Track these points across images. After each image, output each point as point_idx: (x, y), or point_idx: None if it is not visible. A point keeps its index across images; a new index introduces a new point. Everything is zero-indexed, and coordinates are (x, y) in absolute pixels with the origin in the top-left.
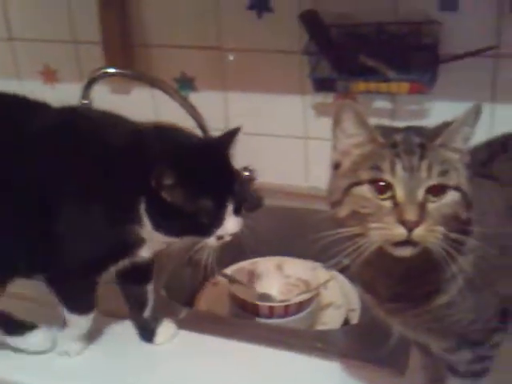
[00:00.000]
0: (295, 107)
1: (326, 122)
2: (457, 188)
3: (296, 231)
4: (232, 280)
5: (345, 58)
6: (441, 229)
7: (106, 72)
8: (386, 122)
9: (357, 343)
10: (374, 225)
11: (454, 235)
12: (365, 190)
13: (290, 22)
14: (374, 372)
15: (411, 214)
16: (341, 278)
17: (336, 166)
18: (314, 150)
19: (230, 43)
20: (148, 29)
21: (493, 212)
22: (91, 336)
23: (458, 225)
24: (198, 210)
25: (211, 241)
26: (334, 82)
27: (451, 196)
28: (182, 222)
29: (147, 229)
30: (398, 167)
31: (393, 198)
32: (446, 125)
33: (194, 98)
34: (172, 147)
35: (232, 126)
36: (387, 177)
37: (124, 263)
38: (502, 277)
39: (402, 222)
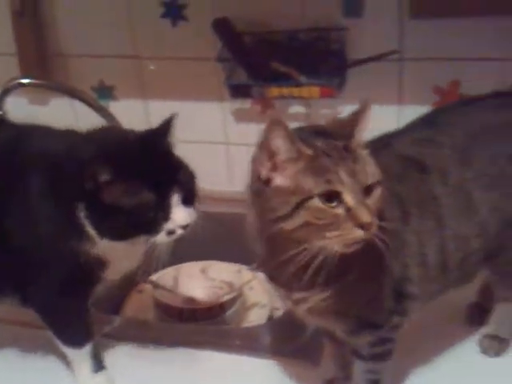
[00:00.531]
0: (215, 113)
1: (245, 128)
2: (379, 182)
3: (221, 235)
4: (156, 286)
5: (258, 64)
6: (377, 221)
7: (20, 83)
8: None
9: (274, 339)
10: (331, 234)
11: (387, 224)
12: (316, 203)
13: (204, 30)
14: (288, 365)
15: (366, 217)
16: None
17: (266, 182)
18: (235, 154)
19: (147, 52)
20: (64, 38)
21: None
22: None
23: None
24: (140, 204)
25: (161, 237)
26: (250, 88)
27: (379, 190)
28: (127, 221)
29: (101, 245)
30: (343, 175)
31: (342, 204)
32: (350, 123)
33: (114, 107)
34: (104, 144)
35: None
36: (337, 187)
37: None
38: (393, 259)
39: (359, 226)
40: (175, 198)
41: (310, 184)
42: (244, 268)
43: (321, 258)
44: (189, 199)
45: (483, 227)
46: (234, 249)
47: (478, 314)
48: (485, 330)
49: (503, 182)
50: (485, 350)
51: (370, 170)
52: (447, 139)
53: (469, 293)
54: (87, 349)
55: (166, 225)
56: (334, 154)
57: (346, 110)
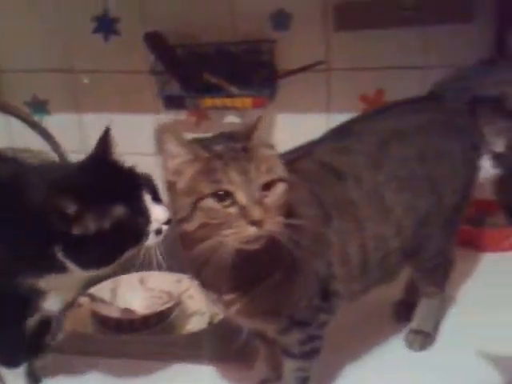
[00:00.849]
0: (150, 125)
1: None
2: (281, 179)
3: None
4: (93, 298)
5: (190, 76)
6: (281, 218)
7: None
8: None
9: (210, 344)
10: (227, 232)
11: (294, 221)
12: (209, 203)
13: (136, 44)
14: (225, 370)
15: (257, 214)
16: None
17: (170, 186)
18: None
19: (80, 66)
20: None
21: (300, 200)
22: None
23: (288, 210)
24: (117, 220)
25: (151, 240)
26: (183, 100)
27: (280, 187)
28: (113, 242)
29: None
30: (232, 175)
31: (235, 203)
32: (251, 127)
33: (48, 121)
34: (53, 180)
35: (88, 147)
36: (226, 186)
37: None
38: (318, 258)
39: (252, 223)
40: (147, 199)
41: (202, 185)
42: (185, 277)
43: (226, 256)
44: (157, 197)
45: (399, 227)
46: (173, 259)
47: (404, 311)
48: (410, 325)
49: (414, 183)
50: (410, 345)
51: (267, 168)
52: (361, 146)
53: (396, 290)
54: (22, 367)
55: (150, 227)
56: (228, 155)
57: (278, 119)
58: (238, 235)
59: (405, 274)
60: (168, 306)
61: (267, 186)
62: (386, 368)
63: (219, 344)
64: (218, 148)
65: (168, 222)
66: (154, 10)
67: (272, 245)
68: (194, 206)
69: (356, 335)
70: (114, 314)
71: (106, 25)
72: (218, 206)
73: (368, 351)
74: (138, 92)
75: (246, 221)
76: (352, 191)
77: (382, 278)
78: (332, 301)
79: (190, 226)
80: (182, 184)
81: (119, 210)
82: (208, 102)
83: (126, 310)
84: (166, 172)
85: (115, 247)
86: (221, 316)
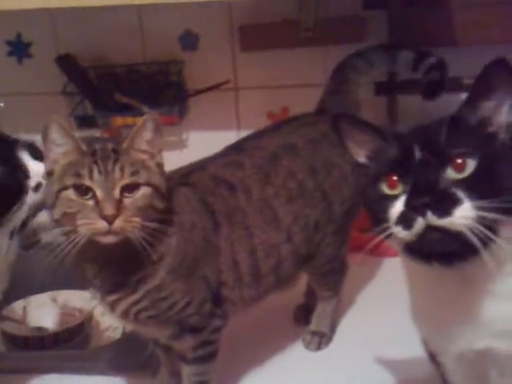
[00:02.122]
0: None
1: None
2: (148, 184)
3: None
4: (3, 318)
5: (102, 96)
6: (138, 219)
7: None
8: None
9: (117, 357)
10: (80, 221)
11: (151, 224)
12: (70, 194)
13: (49, 66)
14: (131, 380)
15: (108, 210)
16: None
17: (49, 174)
18: None
19: None
20: None
21: (190, 209)
22: None
23: (156, 214)
24: None
25: (30, 197)
26: (95, 119)
27: (143, 191)
28: None
29: None
30: (95, 172)
31: (94, 197)
32: (134, 128)
33: None
34: None
35: None
36: (86, 181)
37: None
38: (207, 264)
39: (103, 217)
40: (25, 158)
41: (67, 176)
42: None
43: (83, 246)
44: (38, 157)
45: (289, 234)
46: None
47: (304, 314)
48: (308, 327)
49: (303, 193)
50: (307, 345)
51: (133, 171)
52: (251, 161)
53: (298, 295)
54: None
55: (29, 182)
56: (100, 154)
57: (190, 136)
58: (89, 226)
59: (305, 280)
60: (78, 322)
61: (131, 188)
62: (285, 369)
63: (126, 356)
64: (96, 146)
65: (49, 174)
66: (65, 34)
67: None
68: (57, 195)
69: (258, 338)
70: (23, 332)
71: (19, 48)
72: (76, 198)
73: (269, 353)
74: (51, 113)
75: (98, 214)
76: (242, 201)
77: (277, 283)
78: (224, 306)
79: (55, 214)
80: (55, 172)
81: None
82: (119, 120)
83: (36, 328)
84: (47, 160)
85: None
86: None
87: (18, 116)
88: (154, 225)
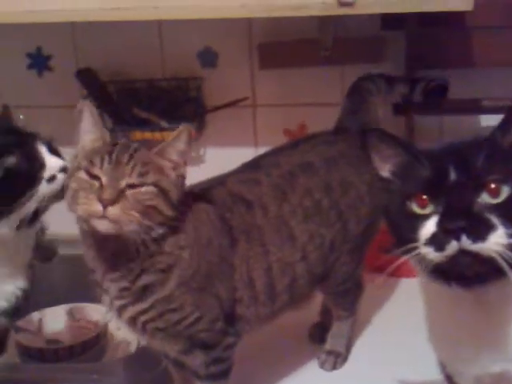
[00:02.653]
0: None
1: None
2: (154, 184)
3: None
4: (18, 329)
5: (121, 110)
6: (136, 215)
7: None
8: None
9: (130, 372)
10: (80, 201)
11: (154, 226)
12: (81, 174)
13: (69, 79)
14: None
15: (107, 194)
16: None
17: (75, 157)
18: None
19: (14, 101)
20: None
21: (208, 225)
22: None
23: (162, 219)
24: (8, 168)
25: (43, 188)
26: (114, 133)
27: (147, 188)
28: (8, 186)
29: None
30: (105, 162)
31: (100, 184)
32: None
33: None
34: None
35: None
36: (95, 170)
37: None
38: (221, 281)
39: (100, 200)
40: (43, 150)
41: (84, 159)
42: None
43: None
44: (55, 152)
45: (304, 252)
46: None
47: (319, 333)
48: (324, 346)
49: (319, 212)
50: (322, 365)
51: (142, 172)
52: (269, 179)
53: (313, 314)
54: None
55: (44, 173)
56: (118, 148)
57: (207, 152)
58: (85, 206)
59: (321, 298)
60: (93, 335)
61: (134, 185)
62: None
63: (140, 370)
64: (120, 141)
65: (63, 170)
66: (86, 47)
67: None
68: (73, 173)
69: (273, 356)
70: (38, 344)
71: (39, 61)
72: (86, 178)
73: (284, 372)
74: (71, 127)
75: (96, 196)
76: (258, 218)
77: (292, 302)
78: (238, 325)
79: (67, 196)
80: (79, 154)
81: (11, 160)
82: (138, 135)
83: (51, 340)
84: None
85: (10, 190)
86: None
87: (37, 128)
88: (158, 229)
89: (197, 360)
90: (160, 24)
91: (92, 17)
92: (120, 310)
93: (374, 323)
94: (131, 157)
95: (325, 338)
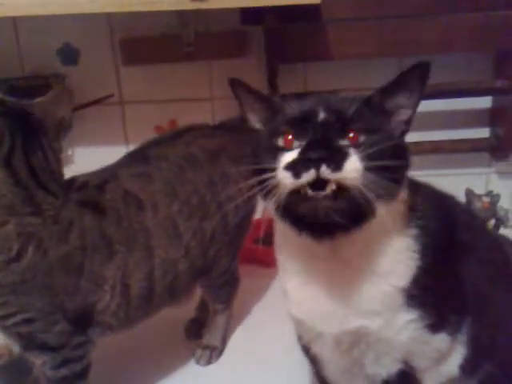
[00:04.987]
0: None
1: None
2: None
3: None
4: None
5: None
6: None
7: None
8: None
9: (5, 380)
10: None
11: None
12: None
13: None
14: None
15: None
16: None
17: None
18: None
19: None
20: None
21: (84, 242)
22: None
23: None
24: None
25: None
26: None
27: None
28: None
29: None
30: None
31: None
32: None
33: None
34: None
35: None
36: None
37: None
38: (70, 297)
39: None
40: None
41: None
42: None
43: None
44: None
45: (188, 249)
46: None
47: (195, 328)
48: (200, 342)
49: (203, 207)
50: (197, 361)
51: None
52: (159, 173)
53: (189, 309)
54: None
55: None
56: None
57: (76, 152)
58: None
59: (197, 294)
60: None
61: None
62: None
63: (11, 380)
64: None
65: None
66: None
67: None
68: None
69: (147, 354)
70: None
71: None
72: None
73: (159, 370)
74: None
75: None
76: (148, 221)
77: (172, 300)
78: (94, 329)
79: None
80: None
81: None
82: None
83: None
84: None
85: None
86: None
87: None
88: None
89: (38, 359)
90: (15, 21)
91: None
92: None
93: (248, 315)
94: None
95: (201, 334)
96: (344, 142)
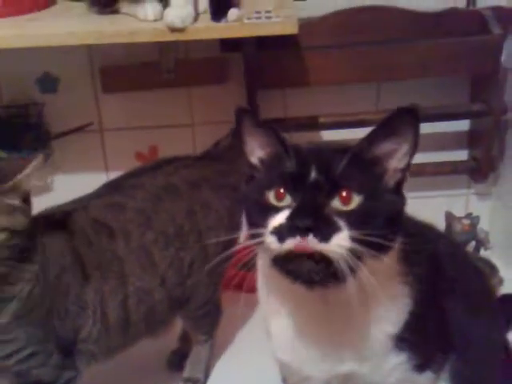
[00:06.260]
0: None
1: None
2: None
3: None
4: None
5: None
6: None
7: None
8: None
9: None
10: None
11: None
12: None
13: None
14: None
15: None
16: None
17: None
18: None
19: None
20: None
21: (60, 261)
22: None
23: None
24: None
25: None
26: None
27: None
28: None
29: None
30: None
31: None
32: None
33: None
34: None
35: None
36: None
37: None
38: (61, 320)
39: None
40: None
41: None
42: None
43: None
44: None
45: (164, 278)
46: None
47: (178, 360)
48: (183, 374)
49: (181, 237)
50: None
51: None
52: (132, 203)
53: (172, 340)
54: None
55: None
56: None
57: (56, 180)
58: None
59: (180, 325)
60: None
61: None
62: None
63: None
64: None
65: None
66: None
67: None
68: None
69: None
70: None
71: None
72: None
73: None
74: None
75: None
76: (120, 248)
77: (149, 330)
78: (80, 359)
79: None
80: None
81: None
82: None
83: None
84: None
85: None
86: None
87: None
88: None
89: None
90: None
91: None
92: None
93: (231, 344)
94: None
95: (183, 366)
96: (335, 203)
